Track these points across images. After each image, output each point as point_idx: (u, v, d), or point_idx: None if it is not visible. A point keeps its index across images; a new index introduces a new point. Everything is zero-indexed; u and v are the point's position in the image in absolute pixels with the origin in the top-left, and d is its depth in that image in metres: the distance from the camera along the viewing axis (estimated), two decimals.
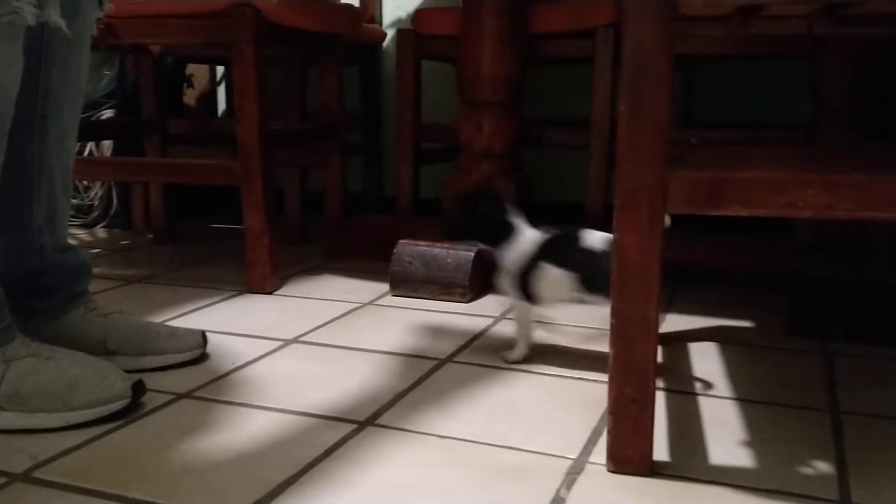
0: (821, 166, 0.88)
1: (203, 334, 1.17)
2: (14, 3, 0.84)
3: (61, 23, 0.92)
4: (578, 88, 2.01)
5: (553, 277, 1.09)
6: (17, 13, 0.84)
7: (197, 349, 1.15)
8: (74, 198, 2.33)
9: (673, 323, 1.37)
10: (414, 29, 1.93)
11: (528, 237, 1.12)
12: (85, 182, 2.29)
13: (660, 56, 0.75)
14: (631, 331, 0.80)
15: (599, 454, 0.86)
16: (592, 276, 1.05)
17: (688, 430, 0.95)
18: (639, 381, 0.81)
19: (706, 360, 1.18)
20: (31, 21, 0.86)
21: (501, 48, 1.65)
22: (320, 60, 1.85)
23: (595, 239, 1.07)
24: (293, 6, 1.55)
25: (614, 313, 0.80)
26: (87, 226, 2.33)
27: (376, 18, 2.32)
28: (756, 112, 2.12)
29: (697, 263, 1.62)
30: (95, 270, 1.73)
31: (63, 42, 1.00)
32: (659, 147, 0.77)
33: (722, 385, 1.09)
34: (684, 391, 1.07)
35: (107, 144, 2.28)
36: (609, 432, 0.83)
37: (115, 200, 2.30)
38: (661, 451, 0.89)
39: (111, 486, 0.80)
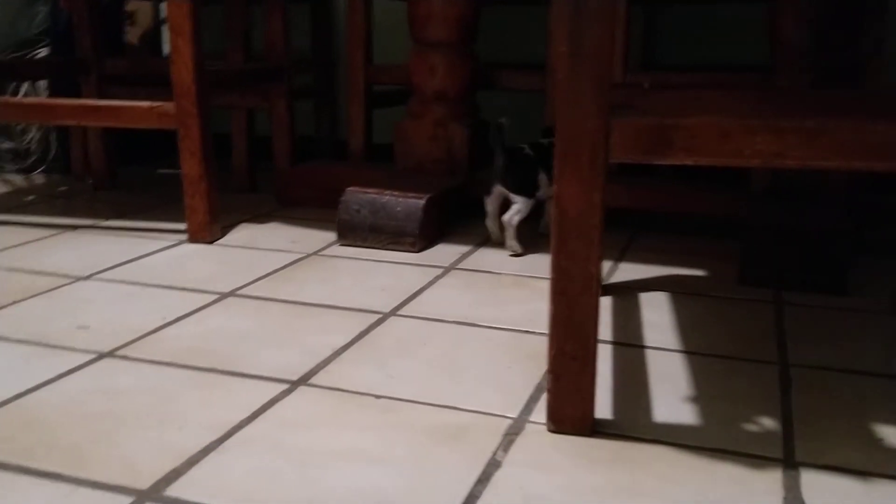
0: (771, 112, 0.84)
1: None
2: None
3: None
4: (536, 30, 1.94)
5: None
6: None
7: None
8: (10, 141, 2.23)
9: (626, 272, 1.34)
10: None
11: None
12: (21, 125, 2.19)
13: None
14: (571, 286, 0.76)
15: (541, 412, 0.83)
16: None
17: (633, 385, 0.92)
18: (579, 338, 0.77)
19: (656, 311, 1.15)
20: None
21: None
22: None
23: None
24: None
25: (554, 267, 0.76)
26: (25, 171, 2.23)
27: None
28: (720, 55, 2.07)
29: (654, 210, 1.59)
30: (31, 218, 1.66)
31: None
32: (601, 91, 0.72)
33: (670, 337, 1.06)
34: (632, 344, 1.04)
35: (43, 84, 2.18)
36: (549, 391, 0.80)
37: (53, 144, 2.20)
38: (604, 408, 0.85)
39: (16, 455, 0.75)
